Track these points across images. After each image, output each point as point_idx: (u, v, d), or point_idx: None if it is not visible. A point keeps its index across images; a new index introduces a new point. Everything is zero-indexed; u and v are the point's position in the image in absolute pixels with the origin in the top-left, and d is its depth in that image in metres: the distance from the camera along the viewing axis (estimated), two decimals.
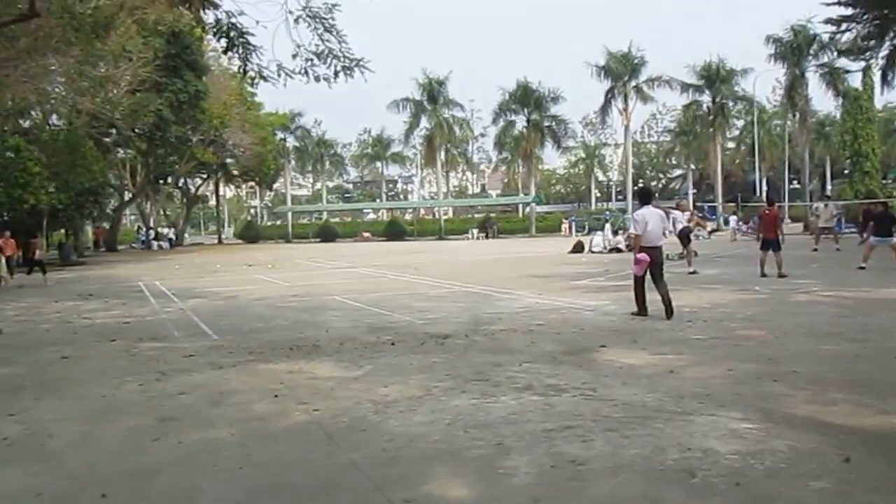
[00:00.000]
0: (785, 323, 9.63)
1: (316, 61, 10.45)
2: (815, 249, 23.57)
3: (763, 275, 15.74)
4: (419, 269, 22.53)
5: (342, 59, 10.30)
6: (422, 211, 72.17)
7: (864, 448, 4.54)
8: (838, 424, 5.01)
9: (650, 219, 10.67)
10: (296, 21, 10.02)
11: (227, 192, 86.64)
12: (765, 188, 57.77)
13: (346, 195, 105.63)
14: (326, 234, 61.52)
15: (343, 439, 5.22)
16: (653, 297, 10.63)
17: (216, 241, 65.81)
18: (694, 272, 17.83)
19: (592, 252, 27.89)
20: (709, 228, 42.39)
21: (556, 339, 9.09)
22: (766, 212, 17.14)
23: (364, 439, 5.20)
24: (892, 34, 32.45)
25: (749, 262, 19.71)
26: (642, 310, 10.74)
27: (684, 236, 19.58)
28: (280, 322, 11.57)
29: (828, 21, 31.66)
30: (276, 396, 6.52)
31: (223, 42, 10.30)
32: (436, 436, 5.20)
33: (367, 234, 60.04)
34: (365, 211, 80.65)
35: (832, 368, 6.83)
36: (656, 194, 76.63)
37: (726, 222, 42.40)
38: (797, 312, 10.68)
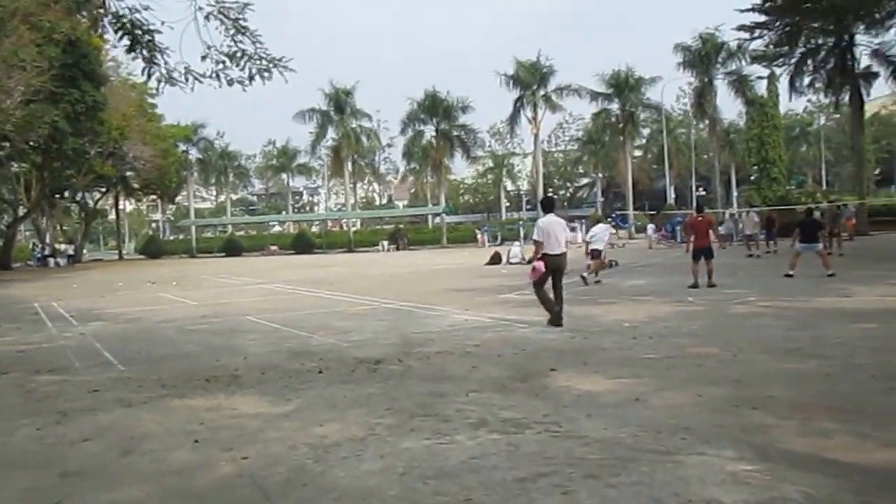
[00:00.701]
0: (735, 338, 9.29)
1: (229, 63, 9.50)
2: (750, 255, 24.22)
3: (695, 285, 15.59)
4: (334, 284, 21.62)
5: (258, 60, 9.38)
6: (329, 223, 70.77)
7: (885, 492, 4.06)
8: (846, 463, 4.51)
9: (552, 227, 11.01)
10: (206, 18, 9.06)
11: (128, 205, 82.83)
12: (672, 195, 59.19)
13: (251, 208, 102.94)
14: (232, 248, 59.42)
15: (282, 498, 4.41)
16: (591, 311, 10.17)
17: (117, 257, 62.60)
18: (598, 281, 18.31)
19: (511, 263, 27.54)
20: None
21: (498, 362, 8.46)
22: (699, 219, 16.89)
23: (307, 497, 4.41)
24: (802, 41, 33.73)
25: (671, 270, 19.79)
26: (552, 314, 10.94)
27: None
28: (192, 348, 10.52)
29: (741, 28, 32.63)
30: (196, 441, 5.62)
31: (125, 41, 9.22)
32: (391, 490, 4.45)
33: (274, 248, 58.31)
34: (271, 224, 78.52)
35: (808, 391, 6.41)
36: (565, 203, 78.44)
37: (640, 230, 43.00)
38: (743, 326, 10.40)
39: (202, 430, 5.92)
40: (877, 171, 70.62)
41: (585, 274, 18.56)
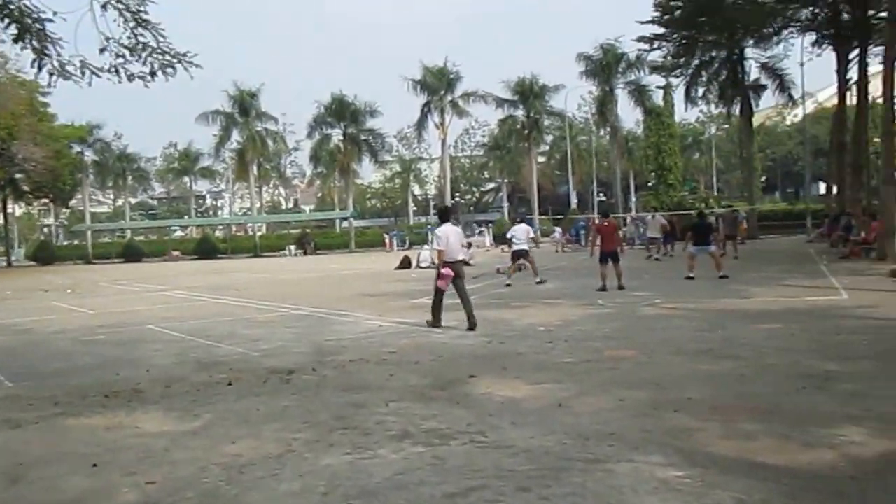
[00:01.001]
0: (648, 340, 9.40)
1: (129, 57, 8.95)
2: (649, 257, 24.66)
3: (603, 288, 15.80)
4: (241, 291, 20.93)
5: (161, 54, 8.87)
6: (234, 228, 68.92)
7: (814, 494, 4.07)
8: (773, 465, 4.52)
9: (451, 235, 11.35)
10: (104, 8, 8.50)
11: (17, 209, 78.22)
12: (575, 200, 60.39)
13: (152, 212, 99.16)
14: (131, 254, 56.97)
15: None
16: (504, 315, 10.11)
17: (5, 264, 58.97)
18: (509, 285, 18.35)
19: (421, 267, 27.39)
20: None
21: (416, 369, 8.25)
22: (605, 224, 17.17)
23: None
24: (698, 53, 35.03)
25: (579, 274, 20.05)
26: (437, 321, 11.31)
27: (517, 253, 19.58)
28: (88, 360, 9.87)
29: (641, 39, 33.61)
30: (94, 466, 5.19)
31: (13, 29, 8.53)
32: None
33: (176, 253, 56.29)
34: (173, 228, 75.81)
35: (725, 392, 6.49)
36: (471, 207, 79.04)
37: (545, 234, 43.59)
38: (654, 328, 10.55)
39: (101, 453, 5.48)
40: (763, 179, 74.06)
41: (508, 277, 18.95)
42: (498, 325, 11.52)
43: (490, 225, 52.14)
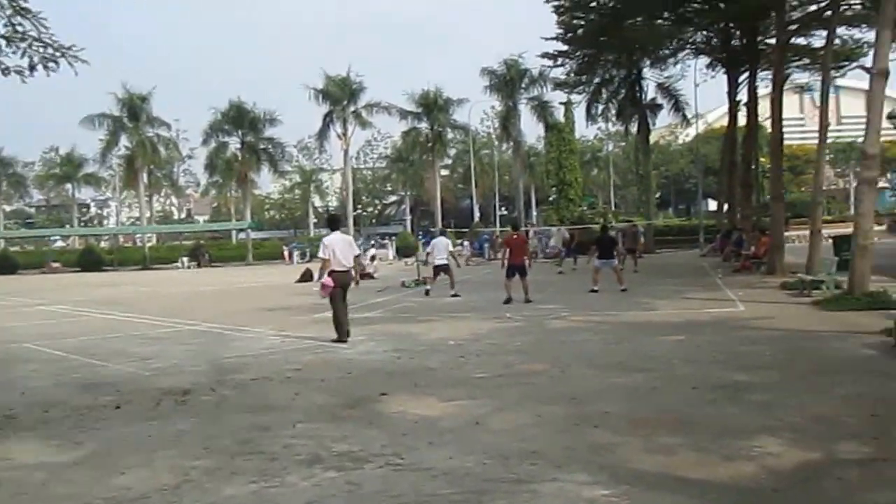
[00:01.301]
0: (560, 354, 9.28)
1: (5, 48, 8.17)
2: (562, 272, 24.77)
3: (508, 300, 15.71)
4: (129, 305, 19.77)
5: (43, 46, 8.13)
6: (122, 238, 65.77)
7: None
8: (697, 480, 4.42)
9: (338, 244, 11.14)
10: None
11: None
12: (477, 214, 60.77)
13: (29, 221, 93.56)
14: (5, 266, 53.31)
15: None
16: (412, 329, 9.79)
17: None
18: (427, 291, 18.89)
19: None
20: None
21: (324, 387, 7.82)
22: (514, 237, 17.06)
23: None
24: (600, 72, 35.86)
25: (484, 286, 19.90)
26: (341, 336, 11.06)
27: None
28: None
29: (545, 55, 34.07)
30: None
31: None
32: None
33: (56, 265, 53.05)
34: (53, 238, 71.65)
35: (641, 405, 6.39)
36: (373, 220, 78.42)
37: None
38: (564, 341, 10.46)
39: None
40: (658, 195, 76.78)
41: (429, 287, 19.27)
42: (406, 339, 11.20)
43: (393, 238, 51.71)
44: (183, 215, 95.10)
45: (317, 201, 76.23)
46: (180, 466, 5.12)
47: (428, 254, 20.23)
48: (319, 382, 8.09)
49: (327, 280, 11.01)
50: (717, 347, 9.30)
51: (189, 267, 49.21)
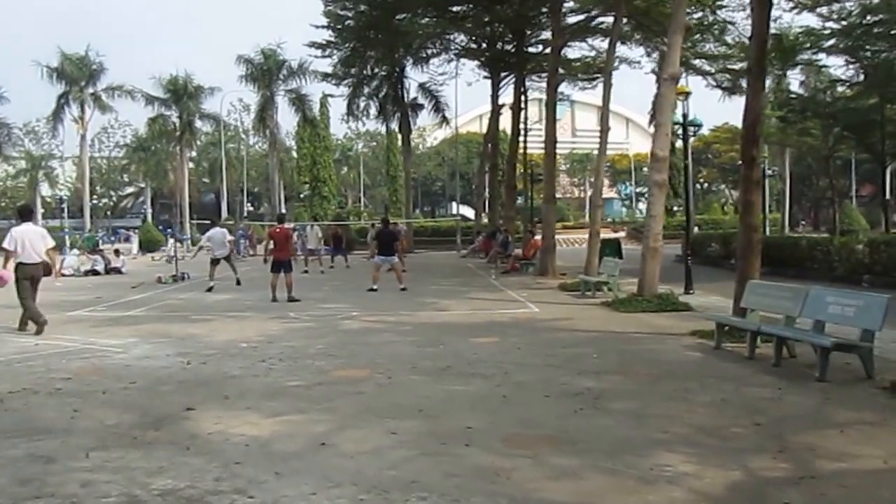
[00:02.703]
0: (374, 357, 8.50)
1: None
2: (306, 271, 23.37)
3: (274, 299, 14.74)
4: None
5: None
6: None
7: None
8: None
9: (28, 236, 10.70)
10: None
11: None
12: (224, 208, 57.74)
13: None
14: None
15: None
16: (191, 330, 8.60)
17: None
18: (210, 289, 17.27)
19: (64, 275, 23.52)
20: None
21: (108, 402, 6.47)
22: (278, 230, 15.83)
23: None
24: (364, 66, 35.29)
25: (251, 284, 18.30)
26: (21, 326, 10.84)
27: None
28: None
29: (313, 44, 32.89)
30: None
31: None
32: None
33: None
34: None
35: (503, 419, 5.78)
36: (108, 212, 71.78)
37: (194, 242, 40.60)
38: (369, 343, 9.67)
39: None
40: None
41: (212, 283, 17.58)
42: (189, 342, 9.86)
43: (136, 231, 47.35)
44: None
45: (45, 190, 68.13)
46: None
47: (202, 247, 18.58)
48: (101, 395, 6.69)
49: (5, 272, 10.70)
50: (540, 350, 8.96)
51: None
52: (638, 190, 79.56)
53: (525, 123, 30.08)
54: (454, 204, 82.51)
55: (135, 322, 11.95)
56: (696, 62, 24.41)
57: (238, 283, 18.21)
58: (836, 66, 44.51)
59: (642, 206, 63.85)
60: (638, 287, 14.02)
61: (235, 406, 6.27)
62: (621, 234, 43.47)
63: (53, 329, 10.97)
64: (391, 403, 6.31)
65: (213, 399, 6.54)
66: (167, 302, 15.37)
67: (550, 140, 20.84)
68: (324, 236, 28.81)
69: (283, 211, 49.03)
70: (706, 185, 59.23)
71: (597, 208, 21.01)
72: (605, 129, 18.55)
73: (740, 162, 10.73)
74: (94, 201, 62.23)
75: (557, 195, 25.46)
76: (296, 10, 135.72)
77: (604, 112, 18.92)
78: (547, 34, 26.77)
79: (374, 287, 16.81)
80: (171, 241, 30.39)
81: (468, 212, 64.25)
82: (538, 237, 22.44)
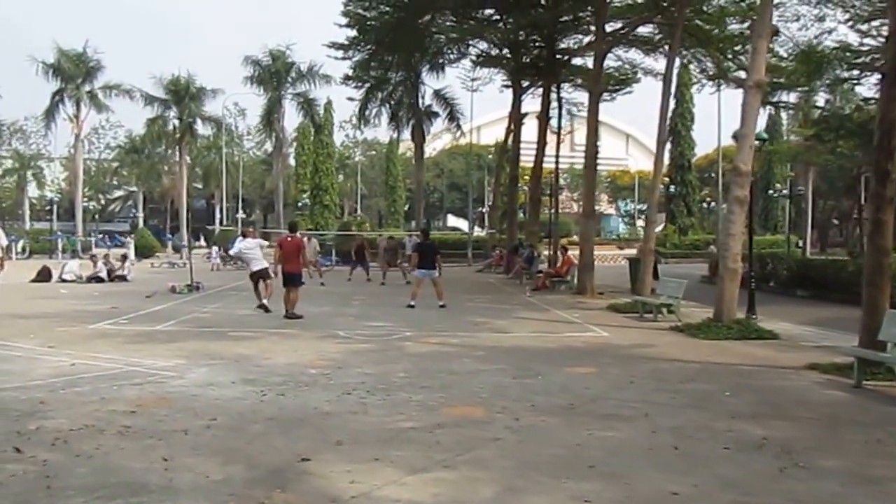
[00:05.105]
0: (475, 391, 7.40)
1: None
2: (322, 284, 21.97)
3: (292, 315, 13.47)
4: None
5: None
6: None
7: None
8: None
9: None
10: None
11: None
12: (219, 216, 56.32)
13: None
14: None
15: None
16: (240, 350, 7.46)
17: None
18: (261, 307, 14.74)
19: (65, 280, 22.21)
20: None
21: (200, 446, 5.35)
22: (288, 239, 14.44)
23: None
24: (378, 69, 34.21)
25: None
26: None
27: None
28: None
29: (333, 45, 31.82)
30: None
31: None
32: None
33: None
34: None
35: (703, 480, 4.72)
36: (96, 216, 69.94)
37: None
38: (456, 372, 8.48)
39: None
40: (406, 207, 77.21)
41: (266, 301, 14.43)
42: (246, 364, 8.70)
43: (131, 236, 45.77)
44: None
45: (32, 190, 66.25)
46: None
47: (234, 257, 16.83)
48: (183, 437, 5.56)
49: None
50: (653, 385, 7.85)
51: None
52: (639, 207, 78.78)
53: (557, 133, 29.02)
54: (450, 216, 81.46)
55: (171, 339, 10.73)
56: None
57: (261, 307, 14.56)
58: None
59: (640, 222, 63.11)
60: (715, 312, 12.87)
61: (357, 456, 5.14)
62: (631, 251, 42.51)
63: (83, 345, 9.80)
64: (548, 455, 5.22)
65: (324, 445, 5.42)
66: (194, 315, 14.14)
67: (591, 153, 19.84)
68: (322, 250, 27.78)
69: (294, 220, 47.82)
70: (712, 203, 58.42)
71: (650, 223, 19.82)
72: (661, 141, 17.70)
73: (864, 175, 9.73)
74: (84, 204, 60.64)
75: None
76: (304, 16, 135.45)
77: (660, 125, 18.08)
78: (577, 39, 25.81)
79: (412, 303, 15.64)
80: (170, 247, 29.13)
81: (462, 224, 63.03)
82: (571, 253, 21.43)
